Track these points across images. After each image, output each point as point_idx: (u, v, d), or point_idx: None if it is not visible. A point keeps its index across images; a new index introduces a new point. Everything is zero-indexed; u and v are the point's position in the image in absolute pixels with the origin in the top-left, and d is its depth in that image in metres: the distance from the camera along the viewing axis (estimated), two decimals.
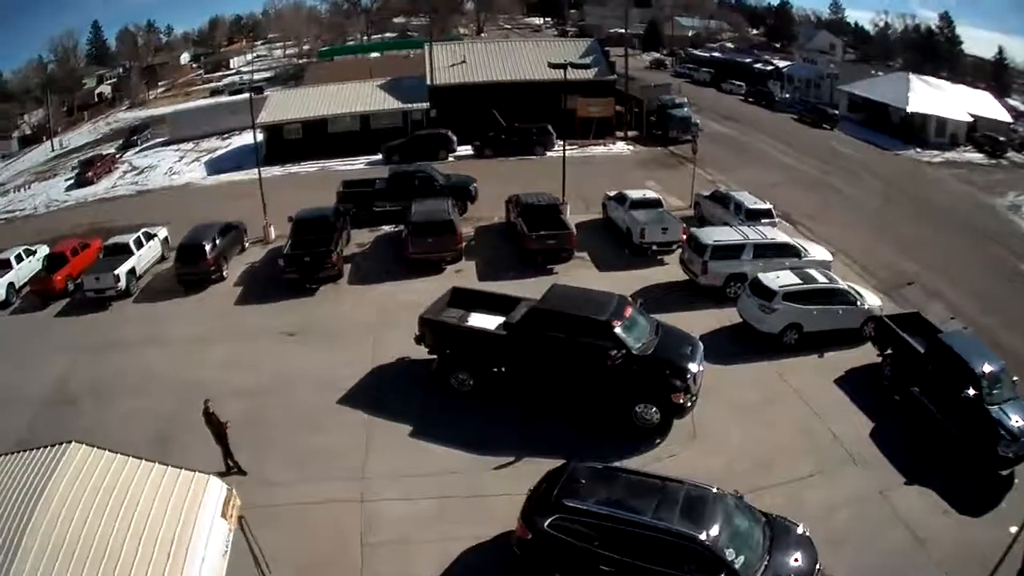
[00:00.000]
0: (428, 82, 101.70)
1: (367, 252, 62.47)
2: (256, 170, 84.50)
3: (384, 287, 55.07)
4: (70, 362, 46.59)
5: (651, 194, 64.37)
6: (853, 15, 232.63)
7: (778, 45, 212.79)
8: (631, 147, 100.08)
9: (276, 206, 66.34)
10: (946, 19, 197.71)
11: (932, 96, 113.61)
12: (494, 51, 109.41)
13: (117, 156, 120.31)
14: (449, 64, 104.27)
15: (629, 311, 38.80)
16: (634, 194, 63.50)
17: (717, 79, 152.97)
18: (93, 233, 70.49)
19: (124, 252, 58.42)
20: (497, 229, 65.30)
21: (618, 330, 36.98)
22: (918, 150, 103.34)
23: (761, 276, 46.50)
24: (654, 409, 36.42)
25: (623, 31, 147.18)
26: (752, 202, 61.47)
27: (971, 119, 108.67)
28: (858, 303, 45.94)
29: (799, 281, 45.82)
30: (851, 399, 40.31)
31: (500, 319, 40.69)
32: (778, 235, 53.76)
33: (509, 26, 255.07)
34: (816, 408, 39.19)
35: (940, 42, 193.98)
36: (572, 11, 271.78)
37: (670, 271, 55.70)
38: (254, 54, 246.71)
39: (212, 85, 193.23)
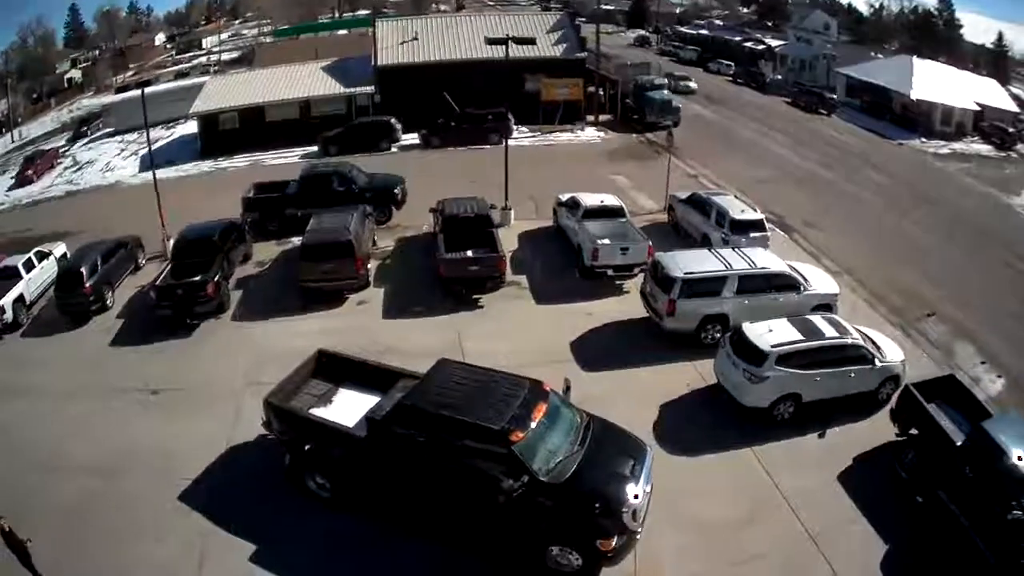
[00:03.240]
0: (374, 63, 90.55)
1: (266, 273, 52.28)
2: (191, 164, 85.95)
3: (270, 325, 44.85)
4: None
5: (611, 200, 51.85)
6: None
7: (770, 24, 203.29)
8: (602, 134, 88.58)
9: (189, 211, 57.53)
10: (946, 1, 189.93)
11: (937, 82, 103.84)
12: (449, 27, 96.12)
13: (60, 150, 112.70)
14: (399, 42, 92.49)
15: (542, 410, 26.65)
16: (589, 200, 51.28)
17: (704, 58, 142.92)
18: (11, 244, 62.99)
19: (13, 277, 50.57)
20: (423, 242, 53.85)
21: (520, 446, 25.06)
22: (923, 140, 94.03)
23: (747, 329, 34.42)
24: (575, 555, 24.94)
25: (608, 6, 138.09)
26: (739, 210, 49.37)
27: (978, 108, 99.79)
28: (875, 361, 34.26)
29: (799, 336, 33.77)
30: (859, 507, 29.18)
31: (376, 399, 30.31)
32: (771, 260, 41.20)
33: (492, 2, 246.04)
34: (812, 526, 28.00)
35: (938, 25, 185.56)
36: None
37: (631, 303, 43.85)
38: (228, 34, 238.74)
39: (180, 67, 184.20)
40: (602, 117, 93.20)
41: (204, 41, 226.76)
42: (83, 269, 48.04)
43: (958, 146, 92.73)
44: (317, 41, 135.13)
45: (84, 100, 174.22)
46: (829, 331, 34.35)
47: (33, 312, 50.37)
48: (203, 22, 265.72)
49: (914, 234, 58.78)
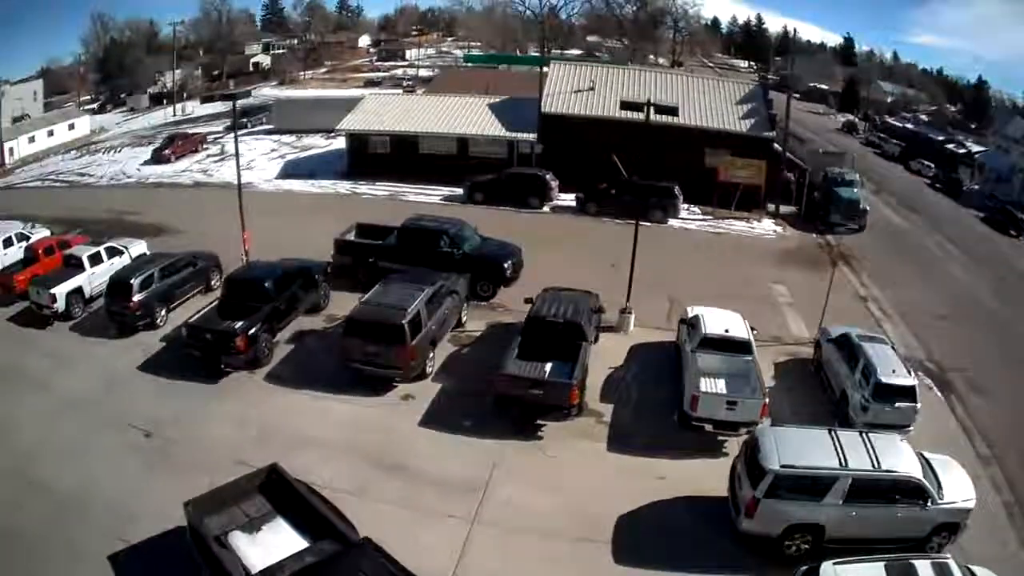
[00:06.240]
0: (540, 109, 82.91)
1: (331, 331, 46.63)
2: (331, 182, 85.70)
3: (300, 398, 40.08)
4: None
5: (739, 329, 41.49)
6: None
7: (973, 126, 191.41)
8: (779, 228, 77.84)
9: (290, 236, 57.53)
10: None
11: None
12: (632, 81, 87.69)
13: (209, 136, 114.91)
14: (572, 89, 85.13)
15: None
16: (712, 324, 41.10)
17: (906, 154, 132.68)
18: (115, 225, 66.46)
19: (77, 267, 50.60)
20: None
21: None
22: None
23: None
24: None
25: (823, 86, 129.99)
26: (890, 370, 38.43)
27: None
28: None
29: None
30: None
31: (303, 545, 26.19)
32: (901, 459, 30.44)
33: (712, 63, 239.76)
34: None
35: None
36: (777, 58, 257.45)
37: (721, 473, 33.38)
38: (434, 49, 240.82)
39: (373, 75, 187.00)
40: (784, 208, 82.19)
41: (408, 53, 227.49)
42: (133, 282, 46.37)
43: None
44: (502, 74, 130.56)
45: (265, 89, 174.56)
46: None
47: (92, 307, 49.92)
48: (414, 32, 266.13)
49: None
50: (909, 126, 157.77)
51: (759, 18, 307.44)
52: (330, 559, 24.52)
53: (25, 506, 31.24)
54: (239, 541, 26.53)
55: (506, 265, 52.15)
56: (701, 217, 77.02)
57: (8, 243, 56.92)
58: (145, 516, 29.93)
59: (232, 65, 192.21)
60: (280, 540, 26.62)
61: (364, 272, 51.59)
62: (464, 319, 47.52)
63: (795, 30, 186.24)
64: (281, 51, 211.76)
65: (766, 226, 77.54)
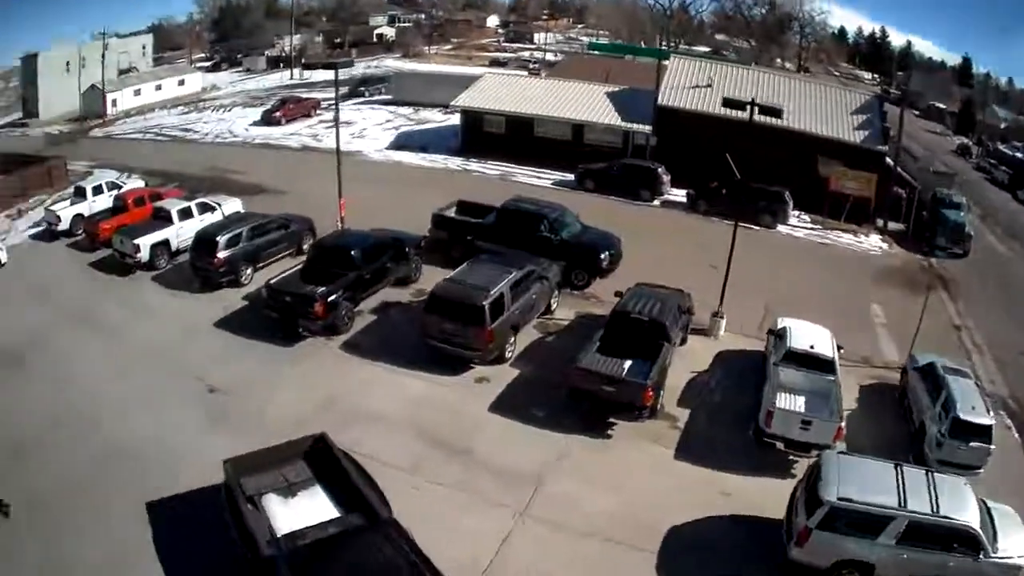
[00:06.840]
0: (656, 101, 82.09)
1: (415, 305, 46.72)
2: (443, 157, 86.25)
3: (373, 369, 40.67)
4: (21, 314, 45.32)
5: (825, 346, 39.71)
6: None
7: None
8: (885, 245, 75.38)
9: (390, 207, 58.49)
10: None
11: None
12: (752, 81, 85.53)
13: (323, 102, 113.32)
14: (690, 84, 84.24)
15: None
16: (798, 338, 39.71)
17: (1016, 182, 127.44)
18: (216, 182, 69.76)
19: (165, 220, 53.28)
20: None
21: None
22: None
23: None
24: None
25: (942, 104, 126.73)
26: (969, 407, 36.47)
27: None
28: None
29: None
30: None
31: (335, 515, 26.34)
32: (961, 505, 28.56)
33: (837, 73, 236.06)
34: None
35: None
36: (899, 73, 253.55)
37: (787, 494, 31.98)
38: (563, 35, 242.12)
39: (498, 55, 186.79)
40: (892, 225, 79.67)
41: (536, 36, 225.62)
42: (219, 239, 47.80)
43: None
44: (623, 64, 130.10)
45: (388, 61, 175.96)
46: None
47: (178, 260, 52.06)
48: (544, 16, 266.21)
49: None
50: (1019, 155, 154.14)
51: (883, 31, 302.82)
52: (351, 533, 24.48)
53: (79, 448, 32.61)
54: (272, 504, 26.86)
55: (602, 256, 51.61)
56: (810, 225, 75.44)
57: (98, 191, 59.01)
58: (192, 469, 30.44)
59: (355, 35, 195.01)
60: (314, 507, 26.72)
61: (459, 249, 51.72)
62: (554, 306, 47.26)
63: (910, 43, 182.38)
64: (407, 24, 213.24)
65: (873, 241, 75.66)
